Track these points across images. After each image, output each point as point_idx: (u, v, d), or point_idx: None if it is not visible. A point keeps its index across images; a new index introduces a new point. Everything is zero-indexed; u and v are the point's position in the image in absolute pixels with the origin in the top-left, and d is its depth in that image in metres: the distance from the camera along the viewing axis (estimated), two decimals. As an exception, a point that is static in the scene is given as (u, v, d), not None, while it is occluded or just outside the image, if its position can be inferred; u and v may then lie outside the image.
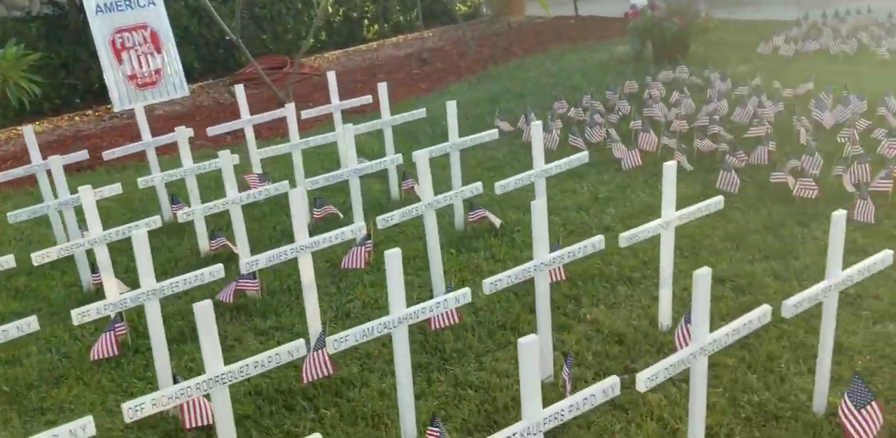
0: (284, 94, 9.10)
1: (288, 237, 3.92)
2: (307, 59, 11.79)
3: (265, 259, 3.49)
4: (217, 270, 3.34)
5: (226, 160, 4.23)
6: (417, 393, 3.46)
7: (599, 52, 10.15)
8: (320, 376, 3.51)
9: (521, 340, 2.27)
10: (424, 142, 6.76)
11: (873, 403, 2.93)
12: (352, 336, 2.86)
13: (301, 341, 2.81)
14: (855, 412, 2.95)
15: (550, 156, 4.56)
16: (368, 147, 6.77)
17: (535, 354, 2.29)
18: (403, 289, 2.96)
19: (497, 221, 5.08)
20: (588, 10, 13.02)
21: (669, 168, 3.55)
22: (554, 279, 4.19)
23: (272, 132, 7.81)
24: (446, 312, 3.89)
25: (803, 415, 3.15)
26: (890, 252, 3.14)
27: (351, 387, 3.54)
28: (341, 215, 5.35)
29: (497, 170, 6.14)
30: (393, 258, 2.89)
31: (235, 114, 5.98)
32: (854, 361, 3.46)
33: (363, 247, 4.50)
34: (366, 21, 12.85)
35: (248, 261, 3.42)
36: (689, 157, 5.76)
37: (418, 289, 4.37)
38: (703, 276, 2.57)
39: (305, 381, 3.50)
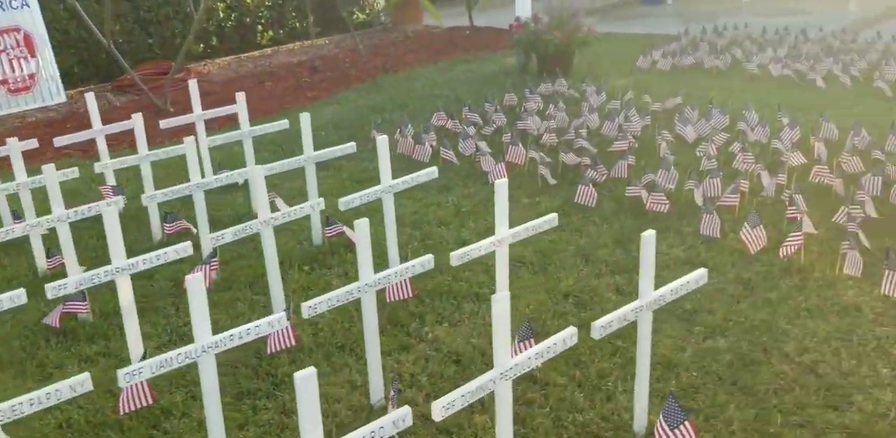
0: (163, 102, 8.80)
1: (132, 254, 3.74)
2: (197, 64, 11.47)
3: (75, 283, 3.29)
4: (18, 295, 3.12)
5: (50, 175, 4.00)
6: (241, 422, 3.32)
7: (490, 63, 10.20)
8: (139, 406, 3.33)
9: (297, 374, 2.17)
10: (298, 152, 6.61)
11: (686, 423, 2.94)
12: (146, 368, 2.70)
13: (86, 374, 2.63)
14: (669, 432, 2.96)
15: (422, 168, 4.48)
16: (240, 159, 6.57)
17: (313, 388, 2.19)
18: (208, 316, 2.82)
19: (355, 237, 4.97)
20: (483, 20, 13.10)
21: (501, 186, 3.52)
22: (400, 297, 4.12)
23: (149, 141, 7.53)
24: (281, 334, 3.77)
25: (624, 435, 3.15)
26: (704, 270, 3.17)
27: (170, 417, 3.36)
28: (195, 230, 5.15)
29: (367, 183, 6.02)
30: (195, 284, 2.75)
31: (112, 122, 5.73)
32: (680, 378, 3.49)
33: (208, 266, 4.33)
34: (260, 27, 12.59)
35: (55, 285, 3.21)
36: (552, 171, 5.78)
37: (261, 310, 4.22)
38: (499, 300, 2.52)
39: (122, 412, 3.31)
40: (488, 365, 3.66)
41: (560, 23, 8.72)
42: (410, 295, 4.15)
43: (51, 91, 9.72)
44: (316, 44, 12.56)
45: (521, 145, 6.05)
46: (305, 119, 4.87)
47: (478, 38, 12.23)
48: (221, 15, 11.90)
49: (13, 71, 9.36)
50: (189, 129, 7.43)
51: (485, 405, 3.29)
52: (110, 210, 3.31)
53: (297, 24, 13.11)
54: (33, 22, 9.42)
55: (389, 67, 10.40)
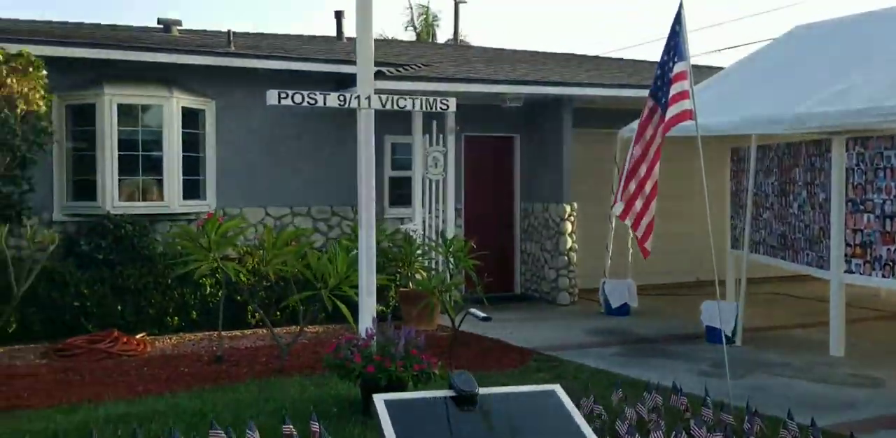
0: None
1: None
2: (159, 336, 11.16)
3: None
4: None
5: None
6: None
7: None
8: None
9: None
10: None
11: None
12: None
13: None
14: None
15: None
16: None
17: None
18: None
19: None
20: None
21: None
22: None
23: None
24: None
25: None
26: None
27: None
28: None
29: None
30: None
31: None
32: None
33: None
34: (250, 307, 12.24)
35: None
36: None
37: None
38: None
39: None
40: None
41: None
42: None
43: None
44: (289, 331, 11.77)
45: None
46: None
47: (457, 351, 10.62)
48: (209, 290, 11.78)
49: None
50: None
51: None
52: None
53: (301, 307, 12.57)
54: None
55: (282, 369, 9.21)
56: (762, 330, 12.40)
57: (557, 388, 2.45)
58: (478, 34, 66.17)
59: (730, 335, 11.66)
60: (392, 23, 72.54)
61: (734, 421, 7.20)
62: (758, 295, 14.83)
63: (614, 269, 14.33)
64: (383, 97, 7.56)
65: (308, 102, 7.30)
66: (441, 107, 7.83)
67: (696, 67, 18.81)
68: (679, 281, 18.32)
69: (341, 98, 7.43)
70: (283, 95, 7.23)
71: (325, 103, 7.36)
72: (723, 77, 14.00)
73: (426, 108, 7.75)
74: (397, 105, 7.61)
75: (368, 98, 7.46)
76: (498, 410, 2.49)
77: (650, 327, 12.93)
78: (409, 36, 39.87)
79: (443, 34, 40.60)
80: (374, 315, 7.63)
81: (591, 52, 32.60)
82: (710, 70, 16.37)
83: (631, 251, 14.37)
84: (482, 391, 2.61)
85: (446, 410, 2.38)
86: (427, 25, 41.35)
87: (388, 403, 2.30)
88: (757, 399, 8.11)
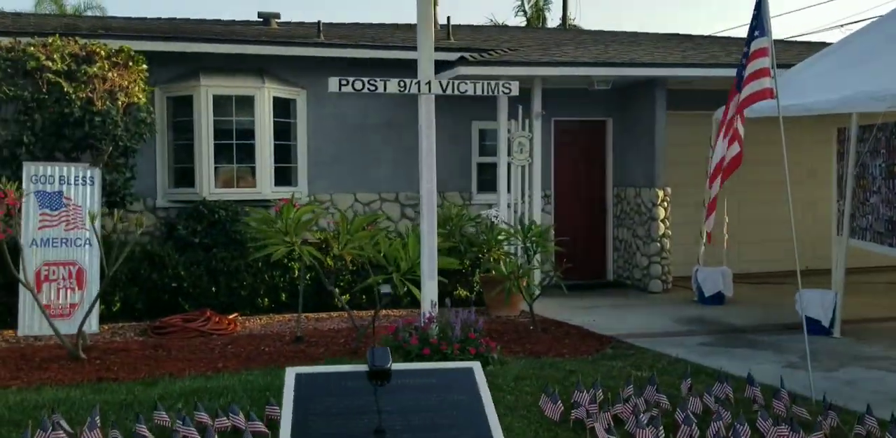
0: (75, 347, 9.03)
1: None
2: (250, 316, 11.68)
3: None
4: None
5: None
6: None
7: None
8: None
9: None
10: None
11: None
12: None
13: None
14: None
15: None
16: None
17: None
18: None
19: None
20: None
21: None
22: None
23: None
24: None
25: None
26: None
27: None
28: None
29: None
30: None
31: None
32: None
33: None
34: (337, 290, 12.57)
35: None
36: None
37: None
38: None
39: None
40: None
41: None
42: None
43: (90, 322, 10.62)
44: (371, 314, 12.01)
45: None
46: None
47: (535, 337, 10.57)
48: (297, 273, 12.18)
49: (58, 299, 10.49)
50: None
51: None
52: None
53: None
54: (90, 260, 10.62)
55: (356, 349, 9.43)
56: (865, 322, 11.61)
57: (476, 366, 2.46)
58: (591, 17, 64.83)
59: (827, 326, 11.03)
60: (503, 7, 72.15)
61: (809, 415, 6.86)
62: (868, 284, 13.97)
63: (710, 257, 13.79)
64: (443, 82, 7.57)
65: (368, 89, 7.38)
66: (503, 91, 7.75)
67: (811, 44, 17.67)
68: (784, 269, 17.40)
69: (401, 84, 7.47)
70: (343, 82, 7.36)
71: (385, 90, 7.43)
72: (829, 53, 13.12)
73: (487, 93, 7.68)
74: (458, 90, 7.59)
75: (428, 83, 7.49)
76: (409, 386, 2.51)
77: (743, 316, 12.36)
78: (520, 21, 39.54)
79: (554, 18, 40.02)
80: (435, 298, 7.69)
81: (707, 32, 31.26)
82: (821, 46, 15.41)
83: (726, 237, 13.81)
84: (399, 366, 2.66)
85: (356, 385, 2.43)
86: (537, 10, 40.81)
87: (298, 376, 2.36)
88: (846, 393, 7.69)
